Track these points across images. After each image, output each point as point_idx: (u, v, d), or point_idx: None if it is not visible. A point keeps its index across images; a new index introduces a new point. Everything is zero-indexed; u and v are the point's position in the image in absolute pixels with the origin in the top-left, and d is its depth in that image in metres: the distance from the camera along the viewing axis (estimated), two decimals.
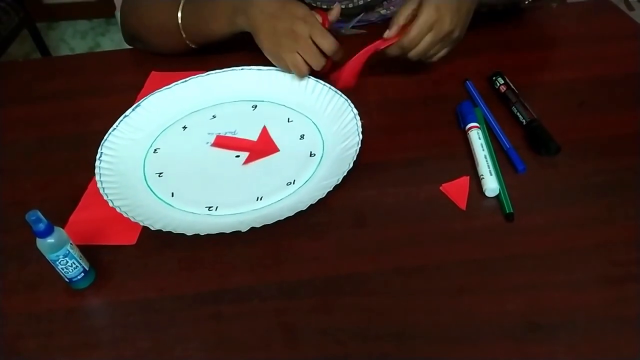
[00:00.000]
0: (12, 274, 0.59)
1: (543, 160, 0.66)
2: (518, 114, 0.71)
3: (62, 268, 0.54)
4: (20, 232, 0.58)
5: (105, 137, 0.69)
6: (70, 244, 0.54)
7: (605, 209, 0.60)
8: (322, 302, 0.54)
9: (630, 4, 1.51)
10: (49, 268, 0.55)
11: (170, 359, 0.51)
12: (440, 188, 0.64)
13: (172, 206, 0.64)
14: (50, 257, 0.53)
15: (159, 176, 0.67)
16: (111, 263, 0.59)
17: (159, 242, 0.58)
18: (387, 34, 0.73)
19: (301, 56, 0.73)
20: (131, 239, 0.61)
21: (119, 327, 0.54)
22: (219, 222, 0.61)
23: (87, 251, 0.57)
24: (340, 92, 0.75)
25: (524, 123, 0.70)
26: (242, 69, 0.81)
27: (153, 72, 0.86)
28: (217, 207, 0.63)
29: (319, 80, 0.77)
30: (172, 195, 0.65)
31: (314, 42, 0.72)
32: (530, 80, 0.79)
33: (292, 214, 0.59)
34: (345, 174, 0.63)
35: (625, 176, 0.63)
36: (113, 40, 2.58)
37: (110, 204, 0.60)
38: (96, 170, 0.64)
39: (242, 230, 0.58)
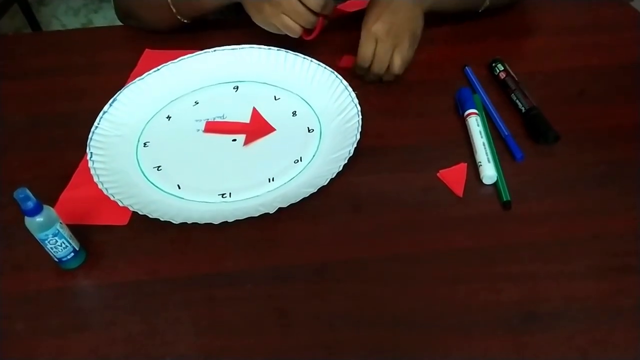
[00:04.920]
0: (0, 254, 0.58)
1: (541, 148, 0.66)
2: (517, 101, 0.70)
3: (51, 247, 0.53)
4: (9, 210, 0.57)
5: (90, 137, 0.66)
6: (60, 223, 0.53)
7: (603, 200, 0.60)
8: (316, 288, 0.53)
9: None
10: (38, 248, 0.53)
11: (161, 343, 0.50)
12: (438, 175, 0.63)
13: (183, 198, 0.62)
14: (39, 236, 0.52)
15: (158, 170, 0.65)
16: (102, 243, 0.58)
17: (151, 224, 0.57)
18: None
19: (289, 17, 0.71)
20: (123, 220, 0.60)
21: (110, 309, 0.53)
22: (237, 207, 0.59)
23: (78, 231, 0.56)
24: (323, 64, 0.74)
25: (523, 111, 0.69)
26: (214, 51, 0.78)
27: (147, 50, 0.84)
28: (230, 194, 0.62)
29: (298, 54, 0.76)
30: (179, 188, 0.63)
31: (300, 1, 0.70)
32: (530, 67, 0.78)
33: (315, 190, 0.59)
34: (355, 145, 0.63)
35: (624, 167, 0.63)
36: (106, 18, 2.54)
37: (120, 204, 0.58)
38: (92, 172, 0.61)
39: (270, 212, 0.57)
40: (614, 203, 0.59)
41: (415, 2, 0.73)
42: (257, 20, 0.74)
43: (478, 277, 0.53)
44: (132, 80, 0.74)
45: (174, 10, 0.80)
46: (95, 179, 0.61)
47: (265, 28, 0.74)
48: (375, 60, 0.71)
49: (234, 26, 0.85)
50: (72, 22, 2.58)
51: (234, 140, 0.68)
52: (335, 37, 0.81)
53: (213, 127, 0.70)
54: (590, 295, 0.52)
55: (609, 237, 0.56)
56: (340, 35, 0.81)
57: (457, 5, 0.81)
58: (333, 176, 0.60)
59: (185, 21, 0.83)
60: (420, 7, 0.73)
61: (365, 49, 0.71)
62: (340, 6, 0.78)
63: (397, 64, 0.71)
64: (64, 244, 0.53)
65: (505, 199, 0.59)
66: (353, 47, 0.82)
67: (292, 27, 0.71)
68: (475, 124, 0.66)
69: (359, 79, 0.75)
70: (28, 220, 0.51)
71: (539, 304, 0.51)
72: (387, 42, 0.70)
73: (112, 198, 0.58)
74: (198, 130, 0.70)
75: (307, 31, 0.74)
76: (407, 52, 0.72)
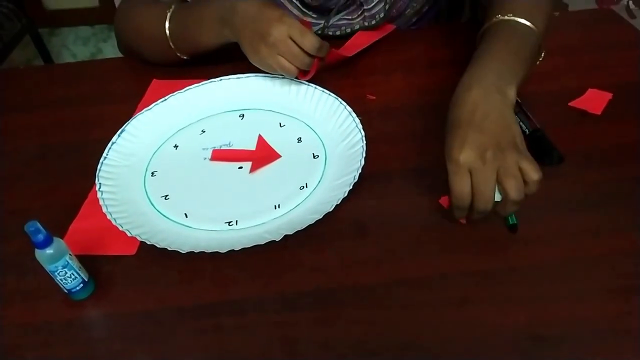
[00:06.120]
0: (10, 284, 0.58)
1: (546, 170, 0.65)
2: (521, 123, 0.70)
3: (61, 279, 0.54)
4: (19, 241, 0.58)
5: (99, 167, 0.67)
6: (70, 254, 0.53)
7: (609, 219, 0.59)
8: (323, 315, 0.53)
9: (632, 12, 1.51)
10: (48, 278, 0.54)
11: None
12: (443, 198, 0.63)
13: (190, 227, 0.62)
14: (49, 268, 0.53)
15: (166, 199, 0.66)
16: (111, 274, 0.58)
17: (158, 253, 0.58)
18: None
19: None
20: (131, 249, 0.60)
21: (118, 338, 0.53)
22: (244, 235, 0.60)
23: (87, 261, 0.57)
24: (327, 91, 0.75)
25: (527, 133, 0.69)
26: (220, 80, 0.80)
27: (154, 80, 0.85)
28: (236, 221, 0.62)
29: (302, 81, 0.77)
30: (186, 216, 0.63)
31: (295, 42, 0.70)
32: (533, 89, 0.78)
33: (321, 216, 0.59)
34: (360, 170, 0.63)
35: (630, 185, 0.63)
36: (115, 47, 2.58)
37: (128, 234, 0.59)
38: (101, 202, 0.62)
39: (276, 240, 0.57)
40: (621, 223, 0.59)
41: (502, 102, 0.58)
42: (254, 60, 0.74)
43: (485, 300, 0.53)
44: (140, 111, 0.76)
45: (173, 47, 0.82)
46: (104, 210, 0.61)
47: (262, 68, 0.75)
48: (476, 195, 0.55)
49: (239, 56, 0.86)
50: (82, 51, 2.63)
51: (240, 167, 0.69)
52: (339, 64, 0.82)
53: (220, 155, 0.71)
54: (598, 317, 0.51)
55: (617, 257, 0.56)
56: (343, 62, 0.82)
57: (527, 70, 0.65)
58: (338, 202, 0.60)
59: (185, 57, 0.84)
60: (508, 106, 0.58)
61: (459, 185, 0.55)
62: (340, 51, 0.80)
63: (533, 177, 0.54)
64: (73, 275, 0.54)
65: (511, 222, 0.59)
66: (357, 74, 0.83)
67: (288, 68, 0.72)
68: None
69: (362, 106, 0.75)
70: (38, 252, 0.52)
71: (547, 326, 0.51)
72: (486, 168, 0.54)
73: (120, 228, 0.59)
74: (205, 158, 0.71)
75: (303, 72, 0.74)
76: (525, 162, 0.54)
